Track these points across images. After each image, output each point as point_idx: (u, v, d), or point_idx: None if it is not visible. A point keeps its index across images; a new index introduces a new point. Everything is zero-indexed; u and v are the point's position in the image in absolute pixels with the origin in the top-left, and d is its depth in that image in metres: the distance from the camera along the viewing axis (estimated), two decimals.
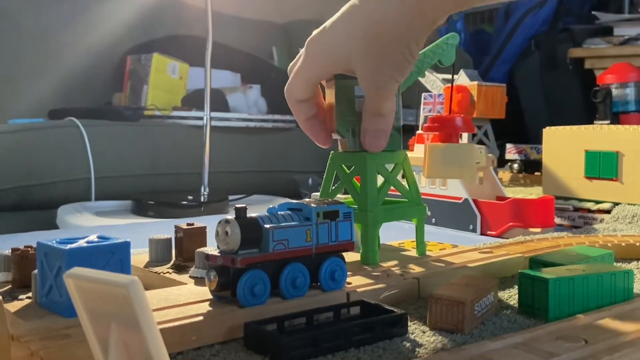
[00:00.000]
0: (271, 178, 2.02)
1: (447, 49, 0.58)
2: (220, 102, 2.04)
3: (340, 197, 0.58)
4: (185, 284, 0.47)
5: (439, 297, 0.41)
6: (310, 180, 1.88)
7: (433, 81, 1.31)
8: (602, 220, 0.89)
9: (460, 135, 1.25)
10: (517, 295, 0.48)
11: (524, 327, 0.42)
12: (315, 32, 0.51)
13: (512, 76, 2.56)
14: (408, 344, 0.39)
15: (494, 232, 0.85)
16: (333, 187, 0.57)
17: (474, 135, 1.27)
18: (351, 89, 0.53)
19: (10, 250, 0.47)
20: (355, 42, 0.48)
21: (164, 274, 0.50)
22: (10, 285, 0.46)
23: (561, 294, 0.44)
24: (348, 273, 0.46)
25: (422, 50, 0.58)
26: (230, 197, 1.72)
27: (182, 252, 0.54)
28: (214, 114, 1.76)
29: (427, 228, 0.60)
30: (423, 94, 1.30)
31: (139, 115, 1.92)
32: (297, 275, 0.42)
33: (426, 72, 1.28)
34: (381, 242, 0.59)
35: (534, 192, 1.05)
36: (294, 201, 0.46)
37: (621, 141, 0.89)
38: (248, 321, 0.39)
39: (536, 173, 1.33)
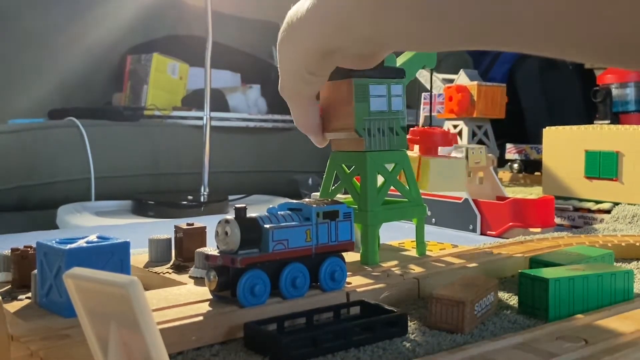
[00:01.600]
0: (271, 178, 2.03)
1: (430, 55, 0.59)
2: (220, 102, 2.04)
3: (340, 197, 0.58)
4: (185, 284, 0.47)
5: (439, 297, 0.41)
6: (310, 180, 1.88)
7: (433, 81, 1.31)
8: (602, 220, 0.89)
9: (460, 136, 1.25)
10: (517, 295, 0.48)
11: (524, 327, 0.42)
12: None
13: (512, 76, 2.56)
14: (408, 344, 0.39)
15: (494, 232, 0.85)
16: (333, 187, 0.57)
17: (474, 135, 1.27)
18: (367, 88, 0.53)
19: (10, 250, 0.47)
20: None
21: (163, 274, 0.50)
22: (10, 285, 0.46)
23: (561, 294, 0.44)
24: (348, 273, 0.46)
25: (409, 56, 0.58)
26: (230, 197, 1.72)
27: (182, 252, 0.54)
28: (214, 114, 1.76)
29: (427, 228, 0.60)
30: (423, 94, 1.30)
31: (139, 115, 1.92)
32: (297, 275, 0.42)
33: (426, 72, 1.28)
34: (381, 242, 0.59)
35: (534, 192, 1.05)
36: (294, 201, 0.46)
37: (621, 141, 0.89)
38: (248, 321, 0.39)
39: (536, 173, 1.33)
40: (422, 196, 0.57)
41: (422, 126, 0.80)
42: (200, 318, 0.38)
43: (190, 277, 0.48)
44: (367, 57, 0.48)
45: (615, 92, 1.36)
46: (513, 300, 0.49)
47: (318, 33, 0.43)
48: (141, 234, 0.63)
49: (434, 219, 0.91)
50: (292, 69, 0.47)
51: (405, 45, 0.43)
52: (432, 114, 1.22)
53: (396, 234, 0.68)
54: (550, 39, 0.34)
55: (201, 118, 1.68)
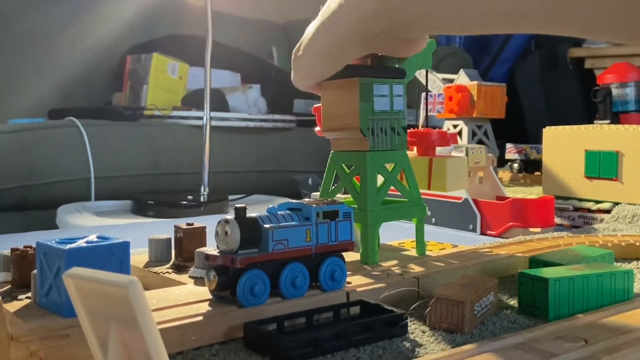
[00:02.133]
0: (271, 178, 2.03)
1: (426, 55, 0.59)
2: (220, 102, 2.04)
3: (340, 196, 0.58)
4: (185, 284, 0.47)
5: (439, 297, 0.41)
6: (310, 180, 1.88)
7: (433, 81, 1.31)
8: (602, 220, 0.89)
9: (460, 136, 1.25)
10: (517, 295, 0.48)
11: (524, 327, 0.42)
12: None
13: (512, 76, 2.56)
14: (408, 344, 0.39)
15: (494, 232, 0.85)
16: (333, 187, 0.57)
17: (474, 135, 1.27)
18: (371, 88, 0.53)
19: (9, 250, 0.47)
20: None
21: (163, 274, 0.50)
22: (10, 285, 0.46)
23: (561, 294, 0.44)
24: (348, 273, 0.46)
25: (409, 58, 0.58)
26: (230, 197, 1.72)
27: (182, 252, 0.54)
28: (214, 114, 1.76)
29: (427, 228, 0.60)
30: (423, 94, 1.30)
31: (139, 115, 1.92)
32: (296, 275, 0.42)
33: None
34: (381, 242, 0.59)
35: (534, 192, 1.05)
36: (294, 201, 0.46)
37: (621, 141, 0.89)
38: (248, 321, 0.39)
39: (536, 173, 1.33)
40: (422, 196, 0.57)
41: (422, 126, 0.80)
42: (200, 318, 0.38)
43: (190, 277, 0.48)
44: (409, 42, 0.49)
45: (615, 92, 1.36)
46: (513, 300, 0.49)
47: (365, 15, 0.44)
48: (141, 234, 0.63)
49: (434, 219, 0.91)
50: (328, 52, 0.47)
51: (450, 25, 0.43)
52: (431, 113, 1.22)
53: (396, 234, 0.68)
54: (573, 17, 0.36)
55: (201, 118, 1.68)
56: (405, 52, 0.52)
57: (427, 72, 0.70)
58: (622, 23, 0.34)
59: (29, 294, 0.42)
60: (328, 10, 0.46)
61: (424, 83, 1.29)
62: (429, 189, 0.59)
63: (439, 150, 0.67)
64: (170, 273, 0.50)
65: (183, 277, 0.48)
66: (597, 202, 0.91)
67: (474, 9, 0.39)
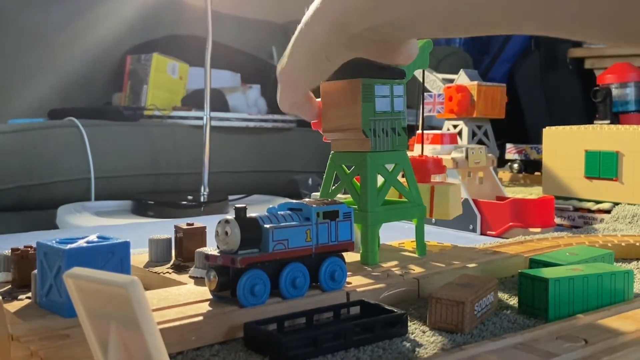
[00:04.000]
0: (271, 178, 2.03)
1: (423, 56, 0.59)
2: (220, 102, 2.04)
3: (340, 197, 0.58)
4: (185, 284, 0.47)
5: (439, 297, 0.41)
6: (310, 180, 1.88)
7: (433, 81, 1.31)
8: (602, 220, 0.89)
9: (460, 136, 1.25)
10: (517, 295, 0.48)
11: (524, 327, 0.42)
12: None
13: (512, 76, 2.56)
14: (408, 344, 0.39)
15: (494, 232, 0.85)
16: (333, 187, 0.57)
17: (474, 135, 1.27)
18: (372, 88, 0.53)
19: (10, 250, 0.47)
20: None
21: (163, 274, 0.50)
22: (10, 285, 0.46)
23: (561, 294, 0.44)
24: (348, 273, 0.46)
25: None
26: (230, 197, 1.72)
27: (182, 252, 0.54)
28: (213, 114, 1.76)
29: (427, 228, 0.60)
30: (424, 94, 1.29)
31: (138, 115, 1.92)
32: (297, 275, 0.42)
33: (426, 72, 1.28)
34: (381, 242, 0.59)
35: (534, 192, 1.05)
36: (294, 201, 0.46)
37: (621, 141, 0.89)
38: (248, 321, 0.39)
39: (536, 173, 1.33)
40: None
41: (421, 127, 0.80)
42: (200, 318, 0.38)
43: (190, 277, 0.48)
44: (391, 47, 0.48)
45: (615, 92, 1.36)
46: (513, 300, 0.49)
47: (345, 14, 0.43)
48: (141, 234, 0.63)
49: (434, 219, 0.91)
50: (309, 52, 0.46)
51: (432, 28, 0.42)
52: (431, 114, 1.22)
53: (396, 234, 0.68)
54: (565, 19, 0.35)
55: (201, 118, 1.68)
56: (389, 58, 0.50)
57: (423, 72, 0.69)
58: (613, 23, 0.34)
59: (29, 294, 0.42)
60: (306, 16, 0.46)
61: (422, 83, 1.29)
62: (430, 216, 0.59)
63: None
64: (170, 273, 0.50)
65: (183, 277, 0.48)
66: (597, 202, 0.92)
67: (460, 10, 0.39)
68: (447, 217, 0.60)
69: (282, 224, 0.42)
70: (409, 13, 0.40)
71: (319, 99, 0.55)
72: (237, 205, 0.42)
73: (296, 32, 0.47)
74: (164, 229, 0.64)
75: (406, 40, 0.49)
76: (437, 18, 0.40)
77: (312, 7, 0.45)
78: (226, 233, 0.41)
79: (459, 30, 0.43)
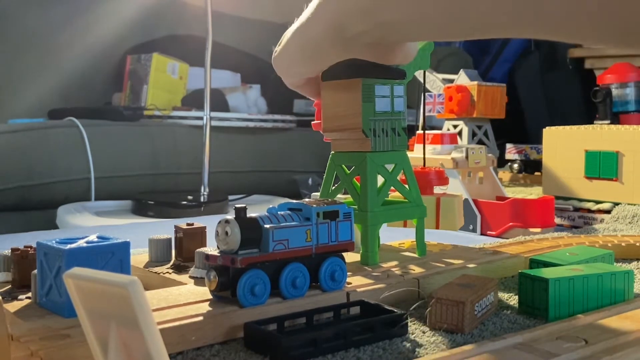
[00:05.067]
0: (271, 178, 2.02)
1: (424, 56, 0.59)
2: (220, 102, 2.04)
3: (340, 197, 0.58)
4: (185, 284, 0.47)
5: (439, 297, 0.41)
6: (310, 180, 1.88)
7: (433, 81, 1.31)
8: (602, 220, 0.89)
9: (460, 136, 1.25)
10: (517, 295, 0.48)
11: (524, 327, 0.42)
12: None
13: (512, 76, 2.56)
14: (408, 344, 0.39)
15: (494, 232, 0.85)
16: (333, 187, 0.57)
17: (474, 135, 1.27)
18: (372, 88, 0.53)
19: (10, 250, 0.47)
20: None
21: (163, 274, 0.50)
22: (10, 285, 0.46)
23: (561, 294, 0.44)
24: (348, 273, 0.46)
25: None
26: (230, 197, 1.72)
27: (182, 252, 0.54)
28: (213, 114, 1.76)
29: (427, 228, 0.60)
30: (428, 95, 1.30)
31: (138, 115, 1.92)
32: (297, 275, 0.42)
33: (426, 72, 1.28)
34: (381, 243, 0.59)
35: (534, 192, 1.05)
36: (294, 201, 0.46)
37: (621, 141, 0.89)
38: (248, 321, 0.39)
39: (536, 173, 1.33)
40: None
41: (422, 128, 0.80)
42: (200, 318, 0.38)
43: (190, 277, 0.48)
44: (385, 50, 0.48)
45: (615, 92, 1.36)
46: (513, 300, 0.49)
47: (341, 16, 0.43)
48: (141, 234, 0.63)
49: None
50: (303, 49, 0.47)
51: (425, 31, 0.42)
52: (432, 114, 1.22)
53: (396, 234, 0.68)
54: (566, 25, 0.35)
55: (201, 118, 1.68)
56: (387, 59, 0.50)
57: (424, 73, 0.70)
58: (603, 22, 0.34)
59: (29, 294, 0.42)
60: (306, 12, 0.46)
61: (423, 84, 1.29)
62: (437, 228, 0.59)
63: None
64: (170, 273, 0.50)
65: (183, 277, 0.48)
66: (597, 202, 0.92)
67: (454, 15, 0.39)
68: (454, 228, 0.60)
69: (282, 224, 0.42)
70: (404, 16, 0.40)
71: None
72: (237, 205, 0.42)
73: (293, 27, 0.47)
74: (164, 229, 0.64)
75: (402, 43, 0.49)
76: (432, 21, 0.40)
77: (311, 6, 0.45)
78: (226, 233, 0.41)
79: (453, 34, 0.43)
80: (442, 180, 0.68)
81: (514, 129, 2.06)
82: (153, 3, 2.27)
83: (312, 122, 0.59)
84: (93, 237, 0.41)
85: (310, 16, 0.45)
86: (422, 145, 0.79)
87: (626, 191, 0.88)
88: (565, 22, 0.34)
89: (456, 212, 0.59)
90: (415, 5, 0.39)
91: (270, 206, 0.45)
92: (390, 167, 0.55)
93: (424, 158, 0.70)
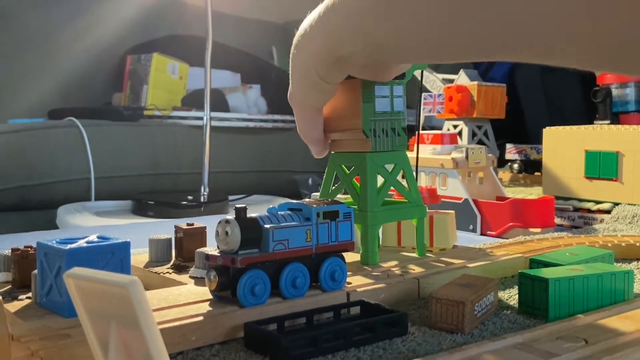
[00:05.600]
0: (271, 178, 2.02)
1: None
2: (220, 102, 2.04)
3: (340, 197, 0.58)
4: (185, 284, 0.47)
5: (439, 297, 0.41)
6: (310, 180, 1.88)
7: (433, 81, 1.31)
8: (602, 221, 0.89)
9: (460, 136, 1.25)
10: (517, 295, 0.48)
11: (524, 327, 0.42)
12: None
13: (512, 76, 2.56)
14: (408, 344, 0.39)
15: (494, 232, 0.85)
16: (333, 187, 0.57)
17: (474, 135, 1.27)
18: (372, 88, 0.53)
19: (10, 250, 0.47)
20: None
21: (164, 274, 0.50)
22: (10, 285, 0.46)
23: (561, 294, 0.44)
24: (348, 273, 0.46)
25: None
26: (230, 197, 1.72)
27: (182, 252, 0.54)
28: (213, 114, 1.76)
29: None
30: (423, 94, 1.30)
31: (139, 115, 1.92)
32: (297, 275, 0.43)
33: (426, 72, 1.28)
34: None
35: (534, 192, 1.05)
36: (294, 201, 0.46)
37: (621, 141, 0.89)
38: (248, 321, 0.39)
39: (536, 173, 1.33)
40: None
41: (422, 127, 0.80)
42: (200, 318, 0.38)
43: (190, 277, 0.48)
44: (380, 68, 0.48)
45: (615, 92, 1.36)
46: (513, 300, 0.49)
47: (331, 37, 0.43)
48: (141, 234, 0.63)
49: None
50: (303, 74, 0.47)
51: (415, 53, 0.42)
52: (432, 114, 1.22)
53: None
54: (554, 50, 0.34)
55: (201, 118, 1.68)
56: (381, 77, 0.51)
57: (422, 72, 0.70)
58: (584, 44, 0.33)
59: (30, 294, 0.43)
60: (297, 37, 0.46)
61: (424, 84, 1.29)
62: (431, 246, 0.59)
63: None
64: (170, 273, 0.50)
65: (183, 277, 0.48)
66: (597, 202, 0.92)
67: (439, 40, 0.38)
68: (448, 245, 0.60)
69: (282, 224, 0.42)
70: (390, 38, 0.40)
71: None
72: (237, 205, 0.42)
73: (290, 55, 0.47)
74: (164, 229, 0.64)
75: (395, 64, 0.49)
76: (425, 45, 0.40)
77: (301, 30, 0.46)
78: (226, 233, 0.41)
79: (447, 57, 0.43)
80: (435, 198, 0.68)
81: (514, 129, 2.06)
82: (153, 3, 2.27)
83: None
84: (93, 237, 0.41)
85: (299, 43, 0.46)
86: (422, 145, 0.79)
87: (626, 191, 0.88)
88: (560, 44, 0.34)
89: (449, 230, 0.59)
90: (409, 26, 0.39)
91: (270, 206, 0.45)
92: (390, 167, 0.55)
93: (417, 159, 0.70)
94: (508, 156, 1.40)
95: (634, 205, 0.87)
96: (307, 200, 0.47)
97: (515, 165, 1.38)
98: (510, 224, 0.83)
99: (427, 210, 0.58)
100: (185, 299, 0.42)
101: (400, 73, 0.52)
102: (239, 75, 2.37)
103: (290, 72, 0.49)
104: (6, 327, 0.33)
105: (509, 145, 1.39)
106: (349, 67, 0.46)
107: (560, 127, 0.98)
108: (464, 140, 1.25)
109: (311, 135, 0.53)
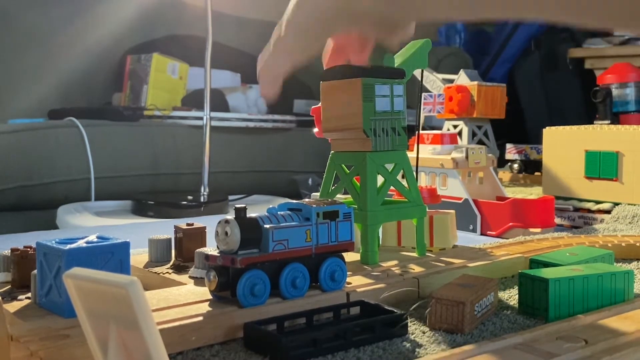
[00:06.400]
0: (271, 178, 2.02)
1: (422, 55, 0.59)
2: (220, 102, 2.04)
3: (340, 197, 0.58)
4: (185, 284, 0.47)
5: (439, 297, 0.41)
6: (310, 180, 1.88)
7: (433, 81, 1.31)
8: (602, 221, 0.89)
9: (460, 136, 1.25)
10: (517, 295, 0.48)
11: (524, 327, 0.42)
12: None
13: (512, 76, 2.56)
14: (408, 344, 0.39)
15: (494, 232, 0.85)
16: (333, 187, 0.57)
17: (474, 135, 1.27)
18: (373, 88, 0.53)
19: (9, 251, 0.47)
20: None
21: (163, 274, 0.50)
22: (10, 286, 0.46)
23: (561, 294, 0.44)
24: (348, 273, 0.46)
25: (405, 58, 0.58)
26: (230, 197, 1.72)
27: (182, 252, 0.54)
28: (213, 114, 1.76)
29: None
30: (423, 94, 1.30)
31: (139, 115, 1.92)
32: (297, 276, 0.42)
33: (426, 72, 1.28)
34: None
35: (534, 192, 1.05)
36: (294, 201, 0.46)
37: (621, 141, 0.89)
38: (248, 321, 0.39)
39: (536, 173, 1.33)
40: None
41: (422, 127, 0.80)
42: (200, 318, 0.38)
43: (190, 277, 0.48)
44: (392, 26, 0.47)
45: (615, 92, 1.36)
46: (513, 300, 0.49)
47: None
48: (141, 234, 0.63)
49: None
50: (312, 27, 0.46)
51: (438, 9, 0.42)
52: (432, 114, 1.22)
53: None
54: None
55: (201, 118, 1.68)
56: (392, 37, 0.49)
57: (422, 71, 0.70)
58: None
59: (29, 294, 0.42)
60: None
61: (425, 84, 1.29)
62: (431, 246, 0.59)
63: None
64: (170, 273, 0.50)
65: (183, 278, 0.48)
66: (597, 202, 0.91)
67: None
68: (448, 245, 0.60)
69: (282, 224, 0.42)
70: None
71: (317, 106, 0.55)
72: (237, 206, 0.42)
73: (293, 6, 0.46)
74: (164, 229, 0.64)
75: (408, 22, 0.49)
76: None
77: None
78: (226, 233, 0.41)
79: (464, 13, 0.42)
80: (435, 198, 0.68)
81: (514, 129, 2.06)
82: (153, 3, 2.27)
83: (315, 131, 0.59)
84: (93, 237, 0.41)
85: None
86: (422, 145, 0.78)
87: (626, 191, 0.88)
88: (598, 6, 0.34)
89: (449, 230, 0.59)
90: None
91: (270, 206, 0.45)
92: (390, 166, 0.55)
93: (417, 159, 0.70)
94: (508, 156, 1.39)
95: (634, 205, 0.87)
96: (306, 200, 0.47)
97: (515, 165, 1.38)
98: (510, 224, 0.83)
99: (427, 210, 0.58)
100: (185, 299, 0.42)
101: (404, 36, 0.51)
102: (239, 75, 2.37)
103: (288, 17, 0.47)
104: (6, 328, 0.33)
105: (509, 145, 1.39)
106: (364, 22, 0.45)
107: (560, 127, 0.98)
108: (464, 140, 1.25)
109: (275, 71, 0.50)
